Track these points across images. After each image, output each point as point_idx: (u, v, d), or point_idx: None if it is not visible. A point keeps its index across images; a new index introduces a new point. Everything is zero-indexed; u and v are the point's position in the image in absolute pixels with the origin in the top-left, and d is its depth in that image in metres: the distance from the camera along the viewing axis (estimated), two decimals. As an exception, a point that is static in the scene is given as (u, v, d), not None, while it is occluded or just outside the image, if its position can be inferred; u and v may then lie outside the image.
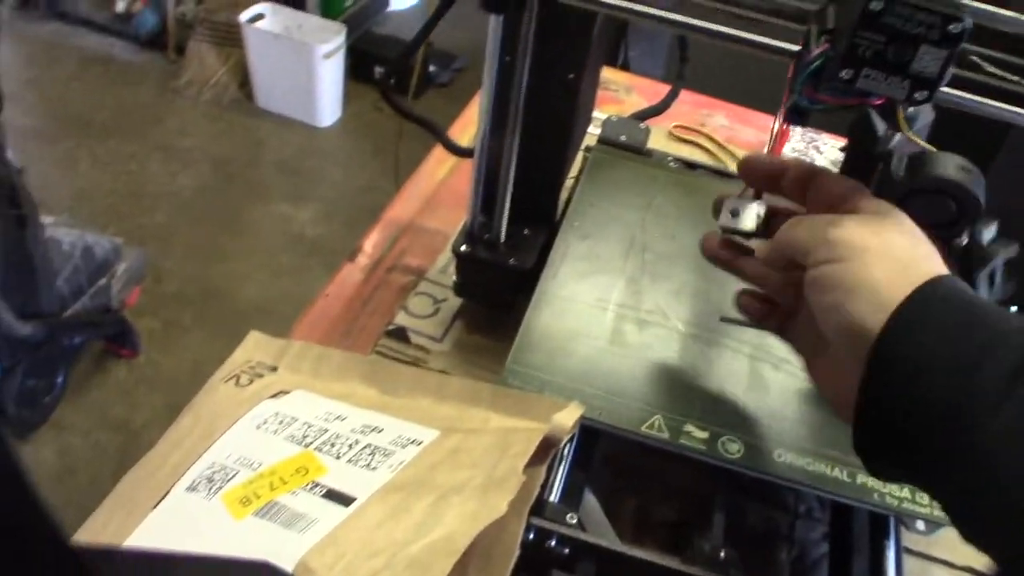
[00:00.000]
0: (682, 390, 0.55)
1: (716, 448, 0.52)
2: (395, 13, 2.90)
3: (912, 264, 0.41)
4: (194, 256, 2.01)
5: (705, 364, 0.57)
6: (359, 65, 2.54)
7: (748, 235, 0.53)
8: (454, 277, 0.66)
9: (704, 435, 0.52)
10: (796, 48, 0.51)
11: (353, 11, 2.68)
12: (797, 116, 0.48)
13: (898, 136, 0.48)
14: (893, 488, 0.51)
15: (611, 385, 0.54)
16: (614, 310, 0.60)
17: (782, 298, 0.51)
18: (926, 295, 0.39)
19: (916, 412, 0.37)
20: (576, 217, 0.66)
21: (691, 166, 0.76)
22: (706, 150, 0.91)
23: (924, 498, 0.51)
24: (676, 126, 0.92)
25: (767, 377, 0.57)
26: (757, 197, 0.52)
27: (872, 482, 0.51)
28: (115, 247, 1.72)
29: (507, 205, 0.62)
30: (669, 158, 0.76)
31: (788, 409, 0.55)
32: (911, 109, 0.47)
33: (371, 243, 0.74)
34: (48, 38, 2.64)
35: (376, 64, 2.56)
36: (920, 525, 0.52)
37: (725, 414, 0.54)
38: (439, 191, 0.80)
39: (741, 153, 0.90)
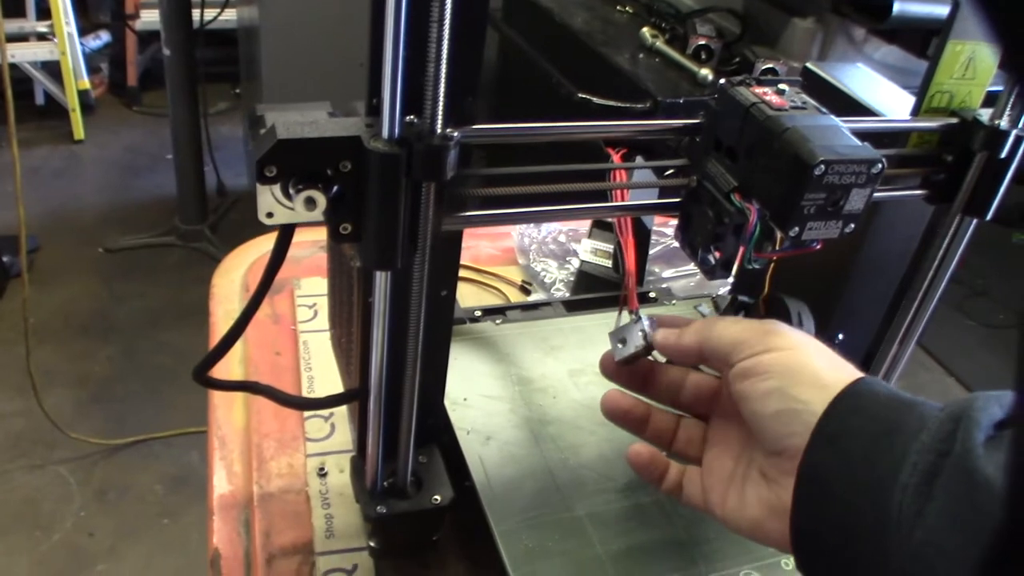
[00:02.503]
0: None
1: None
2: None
3: (840, 361, 0.45)
4: None
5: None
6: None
7: (643, 354, 0.54)
8: (368, 543, 0.55)
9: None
10: (678, 200, 0.52)
11: None
12: (726, 272, 0.48)
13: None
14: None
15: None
16: (567, 503, 0.55)
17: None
18: (851, 398, 0.42)
19: (846, 537, 0.39)
20: (461, 420, 0.60)
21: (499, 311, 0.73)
22: (475, 282, 0.89)
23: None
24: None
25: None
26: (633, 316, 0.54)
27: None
28: None
29: (412, 442, 0.54)
30: (476, 311, 0.72)
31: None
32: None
33: (222, 541, 0.59)
34: None
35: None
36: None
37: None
38: (256, 441, 0.67)
39: (500, 271, 0.90)
